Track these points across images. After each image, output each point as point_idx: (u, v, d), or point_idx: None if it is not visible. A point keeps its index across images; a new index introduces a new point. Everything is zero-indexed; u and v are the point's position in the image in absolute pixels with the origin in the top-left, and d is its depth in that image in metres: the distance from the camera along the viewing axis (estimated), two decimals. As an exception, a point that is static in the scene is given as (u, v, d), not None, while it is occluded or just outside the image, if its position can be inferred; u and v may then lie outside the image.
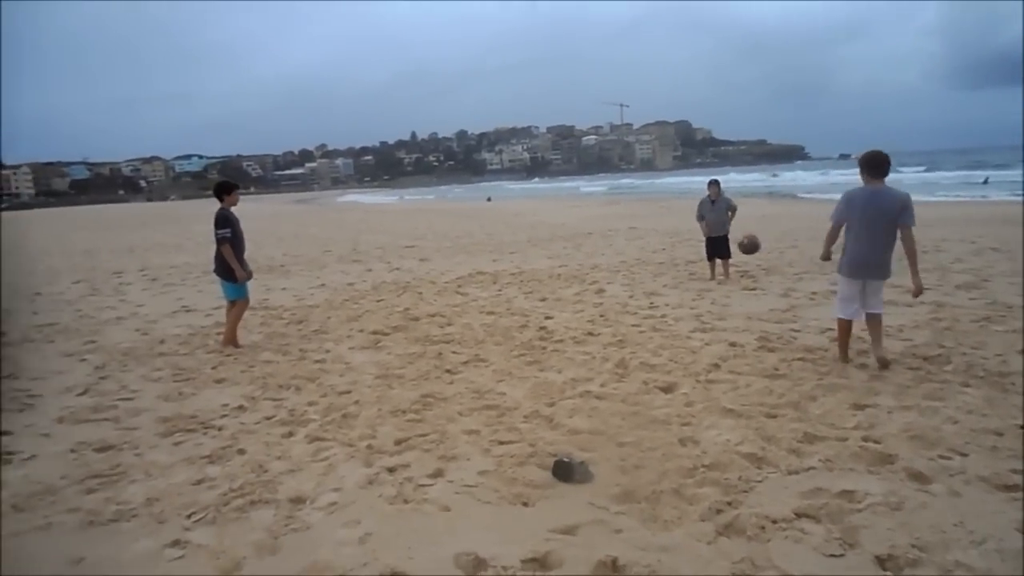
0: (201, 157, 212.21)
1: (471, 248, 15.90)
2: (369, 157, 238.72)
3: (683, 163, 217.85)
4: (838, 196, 5.37)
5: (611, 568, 2.73)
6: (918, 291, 5.16)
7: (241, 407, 5.02)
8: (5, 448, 4.31)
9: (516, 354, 6.13)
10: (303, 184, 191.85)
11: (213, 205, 7.18)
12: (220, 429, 4.58)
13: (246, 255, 7.08)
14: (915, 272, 5.11)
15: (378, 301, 9.26)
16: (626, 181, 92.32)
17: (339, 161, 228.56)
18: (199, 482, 3.74)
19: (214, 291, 8.87)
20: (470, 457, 3.91)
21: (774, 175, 69.13)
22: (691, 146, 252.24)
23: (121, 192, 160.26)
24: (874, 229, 5.02)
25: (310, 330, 7.64)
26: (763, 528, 2.97)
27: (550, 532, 3.03)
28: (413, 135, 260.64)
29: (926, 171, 55.23)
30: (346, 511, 3.34)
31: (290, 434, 4.42)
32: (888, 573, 2.66)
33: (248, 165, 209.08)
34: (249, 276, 7.01)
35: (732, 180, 54.31)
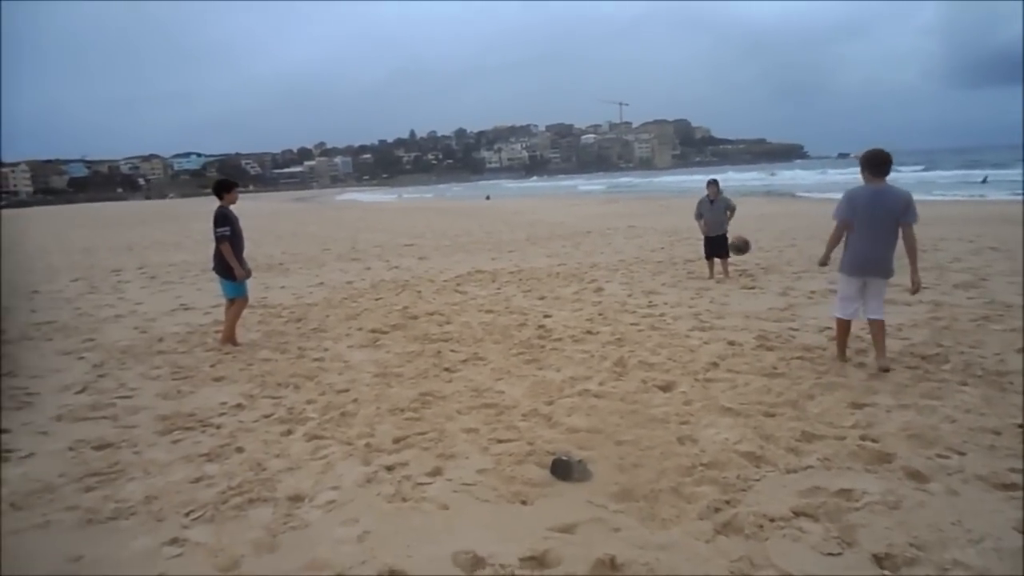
0: (200, 155, 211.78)
1: (470, 246, 15.89)
2: (368, 155, 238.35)
3: (682, 162, 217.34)
4: (837, 195, 5.37)
5: (609, 566, 2.73)
6: (916, 287, 5.18)
7: (240, 405, 5.02)
8: (4, 446, 4.31)
9: (515, 352, 6.13)
10: (302, 182, 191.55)
11: (212, 203, 7.18)
12: (219, 427, 4.58)
13: (245, 253, 7.08)
14: (915, 269, 5.13)
15: (377, 299, 9.26)
16: (625, 180, 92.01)
17: (338, 159, 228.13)
18: (197, 480, 3.74)
19: (213, 289, 8.87)
20: (468, 455, 3.91)
21: (773, 174, 69.09)
22: (690, 145, 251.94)
23: (120, 190, 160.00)
24: (877, 228, 5.03)
25: (309, 328, 7.64)
26: (761, 527, 2.97)
27: (548, 530, 3.04)
28: (412, 133, 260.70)
29: (925, 170, 55.17)
30: (344, 509, 3.34)
31: (288, 432, 4.42)
32: (886, 572, 2.66)
33: (247, 163, 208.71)
34: (248, 274, 7.02)
35: (731, 179, 54.26)
